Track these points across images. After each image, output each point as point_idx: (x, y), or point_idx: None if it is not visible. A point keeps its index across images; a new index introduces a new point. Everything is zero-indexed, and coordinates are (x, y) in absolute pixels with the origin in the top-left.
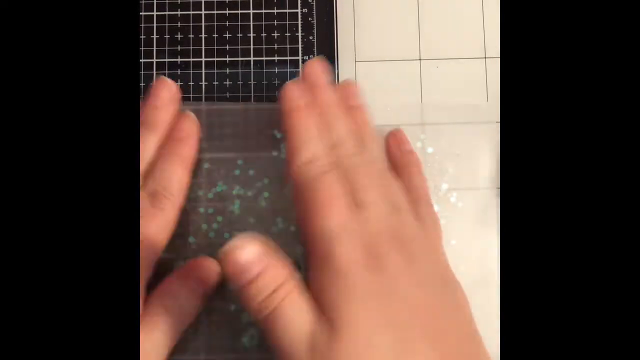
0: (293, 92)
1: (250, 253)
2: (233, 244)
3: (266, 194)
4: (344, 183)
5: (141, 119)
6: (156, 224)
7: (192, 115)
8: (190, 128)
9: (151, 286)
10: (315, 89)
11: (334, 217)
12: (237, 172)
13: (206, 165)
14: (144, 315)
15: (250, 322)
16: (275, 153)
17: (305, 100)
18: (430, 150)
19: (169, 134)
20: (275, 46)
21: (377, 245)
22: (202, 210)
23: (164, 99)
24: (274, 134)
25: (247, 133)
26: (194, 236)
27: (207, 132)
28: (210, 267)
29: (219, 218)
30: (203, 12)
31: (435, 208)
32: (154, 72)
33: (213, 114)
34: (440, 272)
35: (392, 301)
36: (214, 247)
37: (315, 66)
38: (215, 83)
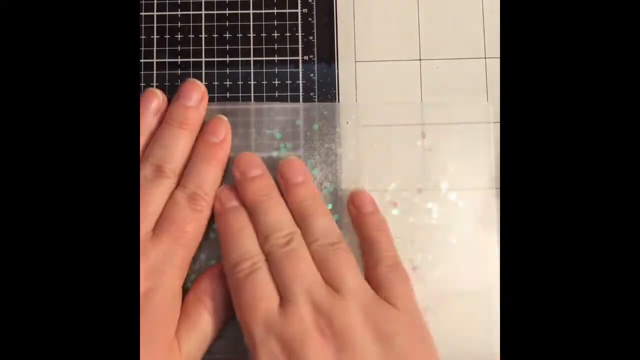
0: (222, 194)
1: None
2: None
3: None
4: (272, 278)
5: (171, 117)
6: (194, 225)
7: (225, 118)
8: (226, 132)
9: None
10: (244, 183)
11: (258, 321)
12: None
13: None
14: (184, 315)
15: None
16: (275, 153)
17: (234, 200)
18: (430, 150)
19: (205, 137)
20: (275, 46)
21: (300, 344)
22: None
23: (194, 99)
24: (274, 134)
25: (247, 133)
26: None
27: None
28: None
29: None
30: (203, 12)
31: (436, 208)
32: (154, 72)
33: (213, 114)
34: (389, 355)
35: None
36: (215, 247)
37: (248, 158)
38: (215, 83)
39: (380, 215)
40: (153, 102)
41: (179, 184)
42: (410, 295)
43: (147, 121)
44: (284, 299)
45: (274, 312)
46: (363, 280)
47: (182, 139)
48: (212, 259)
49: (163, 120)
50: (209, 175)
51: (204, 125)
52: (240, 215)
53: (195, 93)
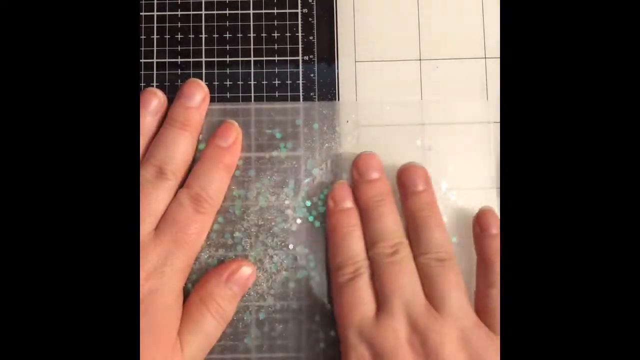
0: (337, 193)
1: None
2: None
3: (266, 195)
4: (373, 285)
5: (172, 117)
6: (196, 227)
7: (236, 124)
8: (236, 137)
9: None
10: (361, 184)
11: (352, 326)
12: (237, 172)
13: None
14: (187, 316)
15: (252, 323)
16: (275, 153)
17: (348, 201)
18: (430, 149)
19: (214, 140)
20: (275, 46)
21: (390, 356)
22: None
23: (196, 100)
24: (274, 133)
25: (247, 133)
26: None
27: (207, 133)
28: (248, 271)
29: (220, 218)
30: (203, 12)
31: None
32: (154, 72)
33: (213, 114)
34: None
35: None
36: (215, 247)
37: (364, 160)
38: (215, 83)
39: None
40: (153, 102)
41: (181, 185)
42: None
43: (147, 121)
44: (381, 309)
45: (369, 319)
46: (467, 303)
47: (184, 140)
48: (212, 258)
49: (164, 120)
50: (215, 179)
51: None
52: (352, 217)
53: (198, 93)
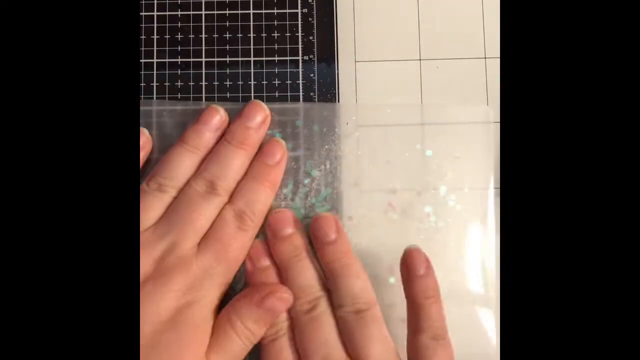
0: (252, 253)
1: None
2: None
3: None
4: (294, 345)
5: (231, 135)
6: (238, 244)
7: (282, 142)
8: (282, 155)
9: None
10: (275, 242)
11: None
12: None
13: None
14: (214, 335)
15: None
16: None
17: (266, 259)
18: (429, 151)
19: (261, 157)
20: (275, 46)
21: None
22: None
23: (257, 121)
24: (274, 134)
25: None
26: None
27: None
28: (284, 297)
29: None
30: (203, 12)
31: (435, 209)
32: (154, 72)
33: None
34: None
35: None
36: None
37: (277, 217)
38: (215, 83)
39: (434, 281)
40: (215, 119)
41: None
42: None
43: (206, 137)
44: None
45: None
46: (391, 354)
47: (239, 159)
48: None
49: (222, 137)
50: (260, 196)
51: (261, 144)
52: (270, 277)
53: (259, 115)
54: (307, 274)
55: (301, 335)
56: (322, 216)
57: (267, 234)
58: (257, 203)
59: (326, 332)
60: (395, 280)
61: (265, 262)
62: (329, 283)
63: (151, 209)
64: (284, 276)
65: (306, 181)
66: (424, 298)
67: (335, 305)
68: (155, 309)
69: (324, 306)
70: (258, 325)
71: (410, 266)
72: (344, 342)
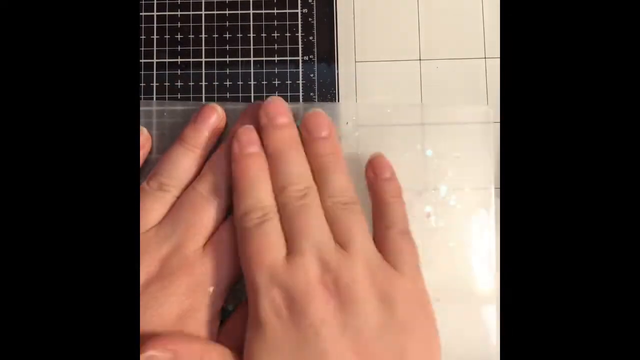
0: (242, 138)
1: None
2: None
3: None
4: (283, 229)
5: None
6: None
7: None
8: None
9: None
10: (269, 129)
11: (263, 270)
12: None
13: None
14: (220, 342)
15: None
16: None
17: (255, 145)
18: (429, 151)
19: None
20: (275, 46)
21: (303, 295)
22: None
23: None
24: None
25: None
26: None
27: None
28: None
29: None
30: (203, 12)
31: (435, 209)
32: (154, 72)
33: None
34: (390, 318)
35: (307, 353)
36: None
37: (274, 104)
38: (215, 83)
39: (398, 184)
40: (212, 117)
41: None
42: (417, 263)
43: (205, 135)
44: (291, 252)
45: (279, 262)
46: (372, 243)
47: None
48: None
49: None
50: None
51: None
52: (259, 162)
53: (284, 115)
54: (300, 162)
55: (292, 220)
56: (316, 112)
57: (261, 120)
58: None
59: (316, 218)
60: None
61: (255, 148)
62: (317, 176)
63: (153, 209)
64: (274, 163)
65: None
66: (390, 197)
67: (323, 196)
68: (159, 311)
69: (314, 195)
70: None
71: (378, 169)
72: (332, 229)
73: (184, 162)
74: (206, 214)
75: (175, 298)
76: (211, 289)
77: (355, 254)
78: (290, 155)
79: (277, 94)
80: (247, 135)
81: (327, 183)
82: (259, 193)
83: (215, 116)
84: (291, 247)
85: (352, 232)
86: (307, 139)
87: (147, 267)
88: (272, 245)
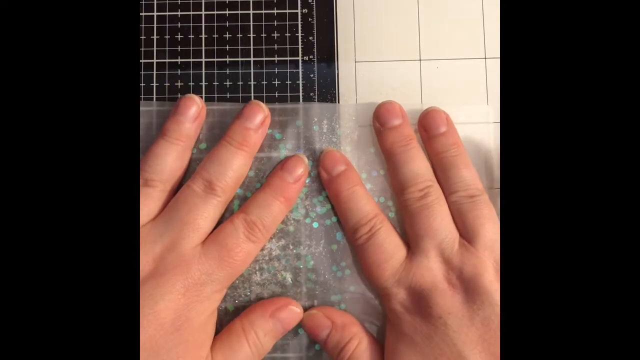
0: (326, 162)
1: None
2: None
3: None
4: (405, 228)
5: (230, 135)
6: (244, 253)
7: (305, 159)
8: (302, 173)
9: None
10: (384, 132)
11: (386, 279)
12: None
13: None
14: (226, 340)
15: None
16: (275, 153)
17: (341, 164)
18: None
19: (281, 172)
20: (275, 46)
21: (428, 292)
22: None
23: (257, 122)
24: (273, 134)
25: None
26: None
27: (207, 132)
28: (294, 311)
29: None
30: (203, 12)
31: None
32: (154, 72)
33: (213, 114)
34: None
35: (438, 342)
36: None
37: (390, 107)
38: (215, 83)
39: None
40: (192, 108)
41: (230, 202)
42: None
43: (186, 127)
44: (414, 252)
45: (401, 266)
46: (497, 234)
47: (238, 159)
48: None
49: (222, 137)
50: (274, 210)
51: (284, 160)
52: (351, 178)
53: (259, 115)
54: (417, 162)
55: (414, 221)
56: (433, 109)
57: (374, 125)
58: (269, 217)
59: (440, 218)
60: None
61: (342, 166)
62: (439, 172)
63: (143, 206)
64: (392, 164)
65: (307, 181)
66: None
67: (447, 192)
68: (155, 309)
69: (436, 193)
70: (269, 337)
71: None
72: (457, 224)
73: (168, 155)
74: (201, 213)
75: (171, 297)
76: (207, 289)
77: (481, 248)
78: (407, 155)
79: (277, 94)
80: (330, 157)
81: (451, 179)
82: (360, 209)
83: (194, 107)
84: (414, 246)
85: (477, 226)
86: (425, 136)
87: (143, 264)
88: (388, 254)
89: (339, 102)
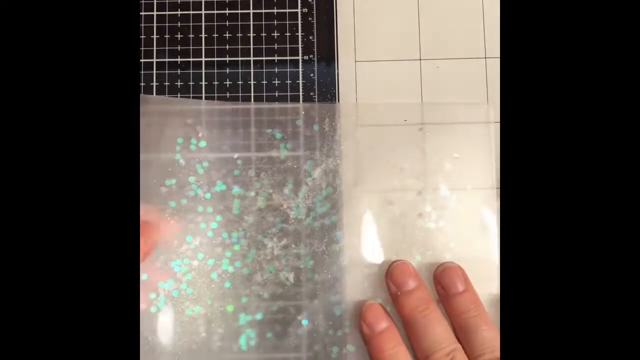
0: (368, 318)
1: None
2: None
3: (265, 194)
4: None
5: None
6: None
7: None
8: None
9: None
10: (400, 297)
11: None
12: (236, 172)
13: (206, 165)
14: None
15: (250, 323)
16: (275, 153)
17: (383, 322)
18: (429, 150)
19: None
20: (275, 46)
21: None
22: (201, 209)
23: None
24: (274, 133)
25: (247, 133)
26: (192, 236)
27: (207, 132)
28: None
29: (218, 218)
30: (203, 12)
31: (435, 208)
32: (154, 72)
33: (213, 114)
34: None
35: None
36: (213, 246)
37: (402, 268)
38: (215, 83)
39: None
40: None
41: None
42: None
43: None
44: None
45: None
46: None
47: None
48: (209, 258)
49: None
50: None
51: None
52: (392, 338)
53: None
54: (440, 326)
55: None
56: (449, 266)
57: (390, 288)
58: None
59: None
60: None
61: (383, 324)
62: (461, 334)
63: None
64: (413, 330)
65: (307, 181)
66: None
67: (472, 355)
68: None
69: (461, 356)
70: None
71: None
72: None
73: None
74: None
75: None
76: None
77: None
78: (428, 320)
79: (277, 93)
80: (372, 312)
81: (474, 341)
82: None
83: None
84: None
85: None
86: (443, 295)
87: None
88: None
89: (339, 101)
